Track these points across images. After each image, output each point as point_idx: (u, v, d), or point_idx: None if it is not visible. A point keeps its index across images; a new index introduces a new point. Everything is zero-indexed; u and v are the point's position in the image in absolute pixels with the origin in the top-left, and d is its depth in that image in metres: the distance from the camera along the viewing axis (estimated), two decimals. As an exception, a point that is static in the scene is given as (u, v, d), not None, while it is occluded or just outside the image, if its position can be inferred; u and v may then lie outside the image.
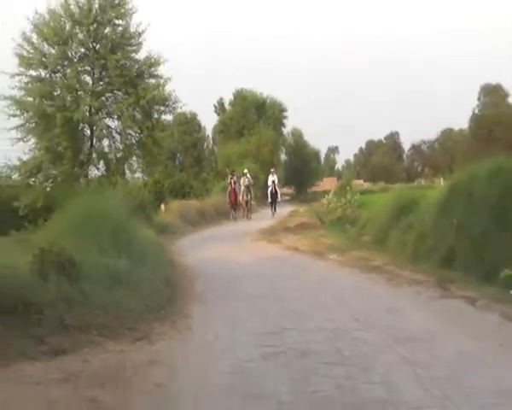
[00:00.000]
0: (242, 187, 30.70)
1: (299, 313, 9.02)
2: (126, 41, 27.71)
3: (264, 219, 28.28)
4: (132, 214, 14.87)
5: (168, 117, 30.64)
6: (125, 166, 28.60)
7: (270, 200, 32.69)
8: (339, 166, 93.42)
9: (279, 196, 33.73)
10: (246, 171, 32.49)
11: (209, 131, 68.70)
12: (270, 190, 32.52)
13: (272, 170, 34.45)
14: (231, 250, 17.62)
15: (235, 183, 30.59)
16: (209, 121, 67.62)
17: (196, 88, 63.47)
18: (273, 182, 32.41)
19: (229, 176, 31.83)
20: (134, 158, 28.85)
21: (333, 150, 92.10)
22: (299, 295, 10.63)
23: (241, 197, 30.41)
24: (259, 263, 15.02)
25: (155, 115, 28.39)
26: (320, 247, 17.43)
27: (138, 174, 30.37)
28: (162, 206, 28.35)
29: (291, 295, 10.52)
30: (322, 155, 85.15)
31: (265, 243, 19.75)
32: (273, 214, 30.59)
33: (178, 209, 28.72)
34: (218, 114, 70.50)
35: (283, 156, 69.00)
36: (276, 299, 10.23)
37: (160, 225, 22.68)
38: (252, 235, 21.79)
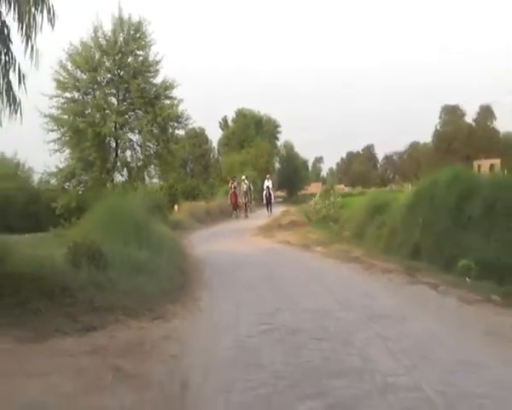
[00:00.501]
0: (242, 191, 30.49)
1: (291, 297, 9.01)
2: (146, 68, 27.80)
3: (260, 218, 28.17)
4: (150, 213, 14.83)
5: (181, 132, 30.74)
6: (145, 173, 28.63)
7: (265, 202, 32.30)
8: (324, 173, 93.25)
9: (273, 198, 33.25)
10: (244, 177, 32.34)
11: (215, 144, 68.56)
12: (264, 193, 32.10)
13: (268, 176, 33.99)
14: (233, 243, 17.61)
15: (235, 187, 30.15)
16: (215, 135, 67.38)
17: (204, 107, 63.29)
18: (267, 187, 31.91)
19: (231, 181, 31.48)
20: (152, 166, 28.92)
21: (318, 160, 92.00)
22: (291, 281, 10.60)
23: (240, 200, 30.15)
24: (257, 254, 14.98)
25: (170, 130, 28.48)
26: (307, 241, 17.39)
27: (155, 180, 30.38)
28: (175, 206, 28.25)
29: (284, 282, 10.49)
30: (310, 164, 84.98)
31: (262, 237, 19.71)
32: (269, 215, 30.13)
33: (189, 209, 28.62)
34: (223, 130, 70.46)
35: (277, 165, 68.88)
36: (271, 285, 10.19)
37: (173, 222, 22.61)
38: (250, 231, 21.75)
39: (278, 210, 33.82)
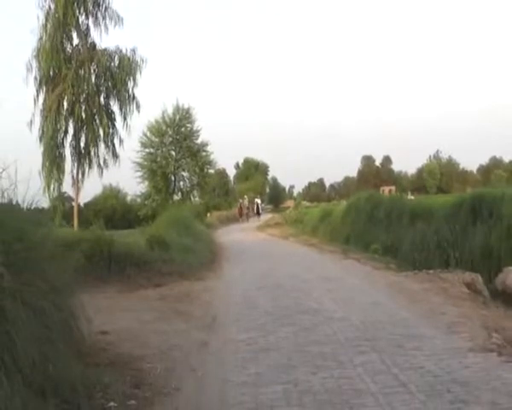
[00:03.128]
0: (245, 205, 29.54)
1: (276, 266, 8.88)
2: (192, 134, 27.90)
3: (255, 222, 27.66)
4: (194, 218, 14.82)
5: (211, 170, 30.77)
6: (191, 195, 28.62)
7: (255, 211, 30.49)
8: (295, 193, 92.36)
9: (261, 209, 31.61)
10: (245, 197, 31.57)
11: (231, 177, 68.27)
12: (255, 207, 30.58)
13: (258, 196, 33.42)
14: (242, 235, 17.52)
15: (241, 204, 29.42)
16: (232, 172, 66.90)
17: (224, 152, 62.45)
18: (257, 203, 30.93)
19: (240, 200, 31.05)
20: (195, 191, 28.93)
21: (292, 187, 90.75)
22: (276, 257, 10.40)
23: (245, 211, 29.10)
24: (256, 241, 14.88)
25: (205, 170, 28.52)
26: (285, 234, 17.27)
27: (197, 199, 30.32)
28: (208, 214, 28.00)
29: (272, 258, 10.34)
30: (287, 189, 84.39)
31: (258, 232, 19.64)
32: (259, 220, 28.15)
33: (216, 216, 28.43)
34: (236, 169, 70.22)
35: (267, 189, 68.63)
36: (264, 260, 10.10)
37: (207, 223, 22.52)
38: (251, 228, 21.70)
39: (267, 216, 33.39)
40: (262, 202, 33.14)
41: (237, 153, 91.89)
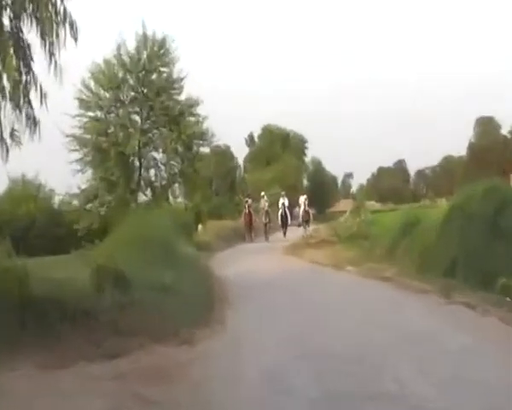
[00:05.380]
0: (262, 210, 29.10)
1: (320, 319, 8.92)
2: (170, 85, 28.06)
3: (283, 240, 27.46)
4: (176, 233, 14.91)
5: (205, 149, 30.90)
6: (169, 192, 28.83)
7: (280, 223, 29.47)
8: (353, 189, 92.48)
9: (289, 219, 29.56)
10: (263, 194, 30.25)
11: (240, 161, 68.70)
12: (280, 213, 29.17)
13: (282, 193, 31.20)
14: (261, 264, 17.54)
15: (249, 206, 28.52)
16: (241, 153, 67.36)
17: (229, 122, 63.39)
18: (283, 205, 29.08)
19: (245, 200, 30.28)
20: (176, 185, 29.12)
21: (348, 176, 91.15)
22: (324, 309, 10.10)
23: (265, 220, 28.64)
24: (286, 275, 14.86)
25: (195, 148, 28.61)
26: (338, 260, 17.19)
27: (180, 199, 30.58)
28: (199, 226, 27.99)
29: (312, 305, 10.33)
30: (339, 180, 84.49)
31: (290, 257, 19.65)
32: (285, 237, 27.96)
33: (215, 228, 28.56)
34: (249, 146, 70.67)
35: (305, 181, 68.73)
36: (299, 307, 10.12)
37: (199, 242, 22.65)
38: (278, 250, 21.71)
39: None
40: (291, 205, 30.83)
41: (251, 121, 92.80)
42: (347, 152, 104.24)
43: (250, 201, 29.57)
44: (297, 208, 31.55)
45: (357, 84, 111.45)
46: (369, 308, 9.78)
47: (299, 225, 28.97)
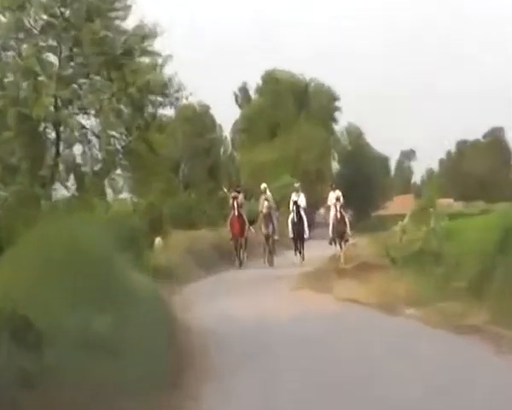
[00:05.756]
0: (261, 213, 29.03)
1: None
2: (109, 5, 28.00)
3: (297, 264, 27.48)
4: (118, 252, 14.91)
5: (169, 111, 30.85)
6: (106, 182, 28.76)
7: (291, 234, 29.53)
8: (416, 178, 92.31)
9: (306, 229, 29.72)
10: (264, 186, 29.90)
11: (227, 131, 68.59)
12: (291, 218, 29.43)
13: (296, 185, 31.47)
14: (261, 304, 17.67)
15: (239, 205, 28.70)
16: (228, 116, 67.08)
17: (209, 69, 62.85)
18: (295, 204, 29.38)
19: (231, 196, 30.07)
20: (119, 171, 29.04)
21: (407, 156, 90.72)
22: (372, 396, 9.67)
23: (263, 228, 28.81)
24: (302, 325, 14.91)
25: (150, 109, 28.57)
26: (391, 297, 17.26)
27: (126, 194, 30.56)
28: (157, 240, 27.97)
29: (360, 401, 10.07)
30: (393, 164, 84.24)
31: (309, 291, 19.75)
32: (299, 262, 28.39)
33: (185, 244, 28.52)
34: (241, 107, 70.45)
35: (335, 165, 68.70)
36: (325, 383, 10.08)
37: (157, 267, 22.66)
38: (289, 279, 21.81)
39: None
40: (311, 206, 29.98)
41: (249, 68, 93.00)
42: (406, 117, 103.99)
43: (241, 197, 29.58)
44: (322, 211, 31.32)
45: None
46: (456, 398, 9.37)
47: (330, 243, 28.71)
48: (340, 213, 28.49)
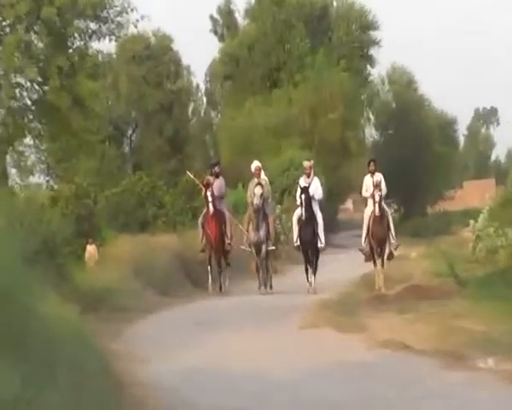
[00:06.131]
0: (250, 208, 29.04)
1: None
2: None
3: (309, 288, 27.61)
4: (24, 273, 14.89)
5: (107, 46, 30.95)
6: (8, 157, 28.87)
7: (296, 243, 29.41)
8: (499, 152, 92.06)
9: (321, 233, 29.57)
10: (256, 164, 29.67)
11: (200, 78, 68.79)
12: (297, 215, 29.25)
13: (308, 163, 30.58)
14: (254, 352, 17.72)
15: (220, 196, 29.00)
16: (201, 54, 67.66)
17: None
18: (304, 192, 28.71)
19: (205, 178, 30.25)
20: (29, 138, 29.13)
21: (485, 118, 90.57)
22: None
23: (252, 234, 28.67)
24: (320, 390, 14.71)
25: (77, 42, 28.64)
26: (457, 340, 17.28)
27: (39, 179, 30.62)
28: (90, 248, 28.04)
29: None
30: (463, 129, 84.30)
31: (331, 331, 19.74)
32: (311, 290, 28.22)
33: (133, 256, 28.60)
34: (221, 39, 70.47)
35: (371, 132, 68.96)
36: None
37: (89, 292, 22.72)
38: (298, 312, 21.85)
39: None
40: (332, 194, 29.86)
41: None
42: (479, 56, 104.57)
43: (219, 182, 29.57)
44: (350, 204, 31.14)
45: None
46: None
47: (366, 258, 28.81)
48: (381, 208, 28.23)
